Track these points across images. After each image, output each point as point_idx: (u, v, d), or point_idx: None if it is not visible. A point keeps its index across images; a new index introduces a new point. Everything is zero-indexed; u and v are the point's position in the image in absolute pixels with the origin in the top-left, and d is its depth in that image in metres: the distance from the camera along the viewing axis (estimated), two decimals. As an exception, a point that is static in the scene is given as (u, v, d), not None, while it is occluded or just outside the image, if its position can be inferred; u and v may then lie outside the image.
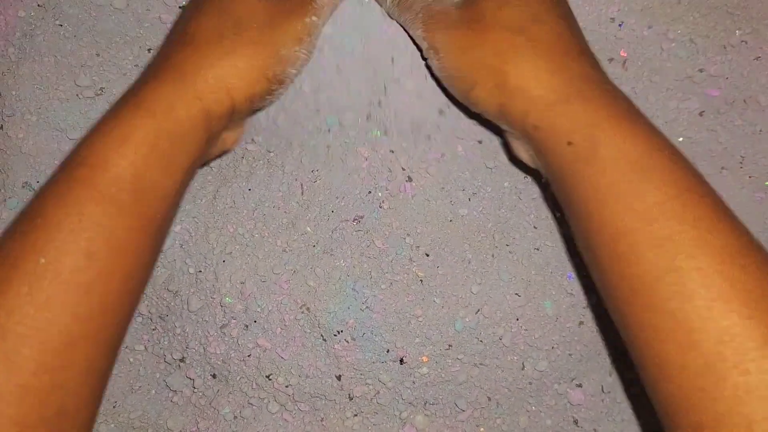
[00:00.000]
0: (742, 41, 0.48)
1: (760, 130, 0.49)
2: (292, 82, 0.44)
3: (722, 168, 0.50)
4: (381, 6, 0.47)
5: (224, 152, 0.46)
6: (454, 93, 0.43)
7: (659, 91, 0.49)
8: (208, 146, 0.40)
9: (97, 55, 0.50)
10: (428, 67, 0.45)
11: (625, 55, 0.49)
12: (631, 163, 0.35)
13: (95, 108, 0.50)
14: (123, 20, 0.49)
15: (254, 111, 0.45)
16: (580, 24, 0.46)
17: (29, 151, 0.50)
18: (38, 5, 0.49)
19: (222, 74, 0.38)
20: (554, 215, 0.50)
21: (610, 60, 0.49)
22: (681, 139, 0.49)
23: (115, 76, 0.50)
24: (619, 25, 0.48)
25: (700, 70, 0.48)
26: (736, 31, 0.48)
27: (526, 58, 0.37)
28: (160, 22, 0.49)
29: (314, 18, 0.42)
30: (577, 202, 0.37)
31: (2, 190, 0.52)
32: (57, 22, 0.49)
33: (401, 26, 0.47)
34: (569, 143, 0.36)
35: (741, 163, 0.49)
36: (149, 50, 0.50)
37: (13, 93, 0.50)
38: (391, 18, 0.47)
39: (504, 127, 0.42)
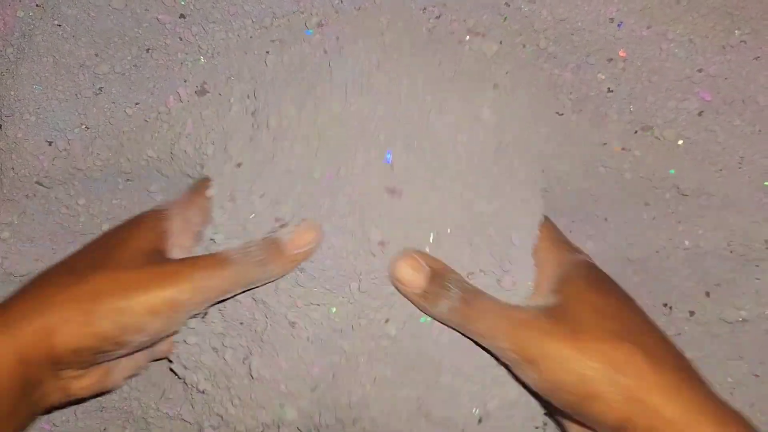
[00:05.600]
0: (741, 41, 0.48)
1: (759, 131, 0.49)
2: (146, 347, 0.42)
3: (721, 168, 0.50)
4: (426, 314, 0.43)
5: (81, 396, 0.43)
6: (559, 404, 0.40)
7: (658, 91, 0.49)
8: (30, 393, 0.38)
9: (96, 55, 0.50)
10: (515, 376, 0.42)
11: (624, 55, 0.49)
12: None
13: (94, 108, 0.50)
14: (121, 20, 0.49)
15: (97, 362, 0.41)
16: (578, 24, 0.46)
17: (28, 150, 0.51)
18: (37, 5, 0.49)
19: (45, 324, 0.37)
20: None
21: (610, 60, 0.48)
22: (681, 141, 0.49)
23: (113, 77, 0.50)
24: (618, 25, 0.48)
25: (699, 70, 0.48)
26: (735, 31, 0.48)
27: (649, 370, 0.36)
28: (159, 23, 0.49)
29: (184, 294, 0.39)
30: None
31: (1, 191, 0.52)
32: (55, 23, 0.49)
33: (465, 336, 0.43)
34: None
35: (740, 163, 0.49)
36: (148, 50, 0.50)
37: (12, 93, 0.50)
38: (450, 328, 0.43)
39: None
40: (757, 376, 0.52)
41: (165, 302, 0.39)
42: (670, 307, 0.52)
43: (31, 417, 0.40)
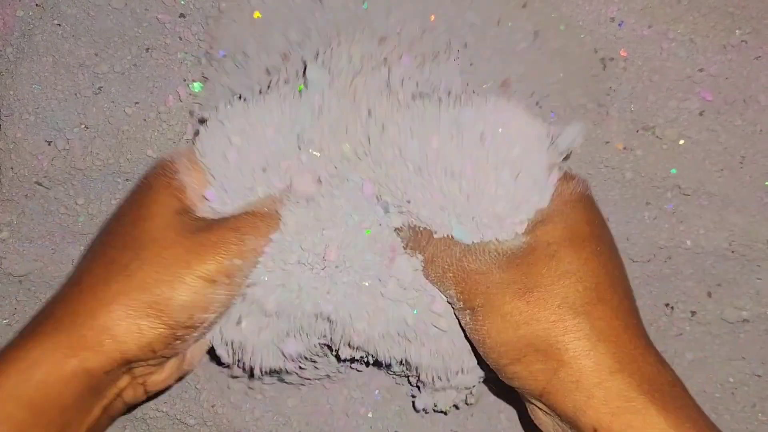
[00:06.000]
0: (742, 41, 0.48)
1: (761, 130, 0.49)
2: (215, 323, 0.39)
3: (722, 168, 0.49)
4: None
5: (157, 392, 0.41)
6: (486, 359, 0.37)
7: (659, 91, 0.49)
8: (99, 397, 0.35)
9: (96, 54, 0.50)
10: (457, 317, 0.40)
11: (625, 54, 0.48)
12: None
13: (93, 108, 0.50)
14: (121, 20, 0.49)
15: (175, 352, 0.38)
16: (579, 23, 0.46)
17: (27, 150, 0.50)
18: (36, 5, 0.49)
19: (104, 324, 0.33)
20: None
21: (611, 59, 0.48)
22: (682, 141, 0.49)
23: (113, 76, 0.50)
24: (619, 25, 0.48)
25: (700, 70, 0.48)
26: (736, 30, 0.48)
27: (588, 348, 0.32)
28: (158, 22, 0.49)
29: (236, 261, 0.36)
30: None
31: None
32: (55, 22, 0.49)
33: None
34: None
35: (741, 163, 0.49)
36: (147, 50, 0.50)
37: (12, 93, 0.50)
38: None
39: (537, 404, 0.36)
40: (758, 376, 0.52)
41: (220, 271, 0.36)
42: (672, 307, 0.52)
43: (109, 419, 0.37)
